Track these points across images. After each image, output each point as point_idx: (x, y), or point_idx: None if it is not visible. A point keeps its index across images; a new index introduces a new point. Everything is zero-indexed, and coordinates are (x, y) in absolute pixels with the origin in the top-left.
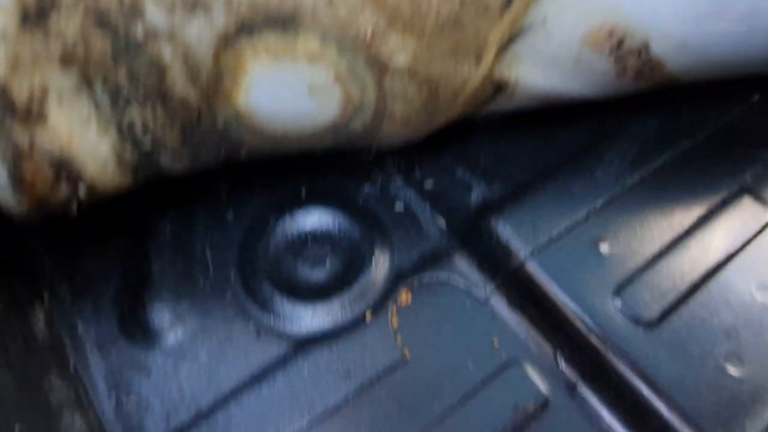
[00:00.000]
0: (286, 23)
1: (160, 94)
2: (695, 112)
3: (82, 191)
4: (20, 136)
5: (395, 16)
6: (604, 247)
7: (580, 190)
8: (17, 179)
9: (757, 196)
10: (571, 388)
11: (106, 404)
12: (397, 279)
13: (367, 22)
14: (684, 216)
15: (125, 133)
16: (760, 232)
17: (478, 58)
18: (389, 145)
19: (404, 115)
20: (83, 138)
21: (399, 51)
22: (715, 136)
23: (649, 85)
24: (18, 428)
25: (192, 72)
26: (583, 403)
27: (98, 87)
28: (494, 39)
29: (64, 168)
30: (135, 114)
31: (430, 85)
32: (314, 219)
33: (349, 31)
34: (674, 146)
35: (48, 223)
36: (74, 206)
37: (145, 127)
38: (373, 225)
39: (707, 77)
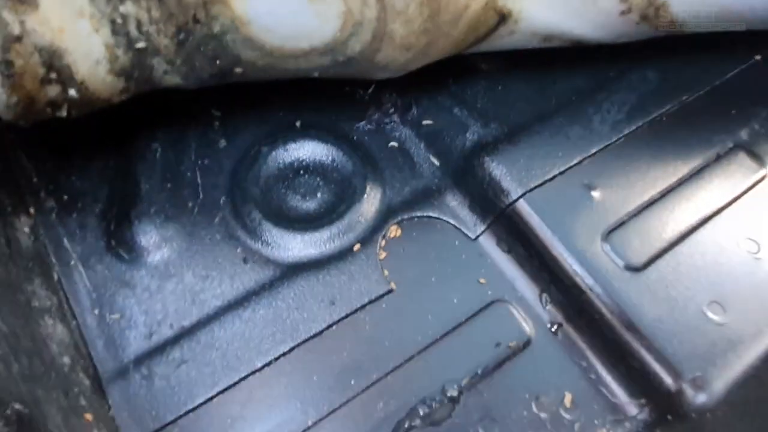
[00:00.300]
0: None
1: None
2: (697, 67)
3: (73, 91)
4: (11, 19)
5: None
6: (596, 193)
7: (576, 136)
8: (6, 69)
9: (752, 153)
10: (554, 329)
11: (89, 317)
12: (387, 214)
13: None
14: (677, 167)
15: (119, 30)
16: (751, 187)
17: None
18: (386, 75)
19: (404, 37)
20: (75, 31)
21: None
22: (714, 92)
23: (654, 29)
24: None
25: None
26: (564, 343)
27: None
28: None
29: (55, 62)
30: (130, 10)
31: (432, 5)
32: (308, 151)
33: None
34: (672, 99)
35: (36, 137)
36: (65, 110)
37: (139, 24)
38: (366, 160)
39: (711, 25)
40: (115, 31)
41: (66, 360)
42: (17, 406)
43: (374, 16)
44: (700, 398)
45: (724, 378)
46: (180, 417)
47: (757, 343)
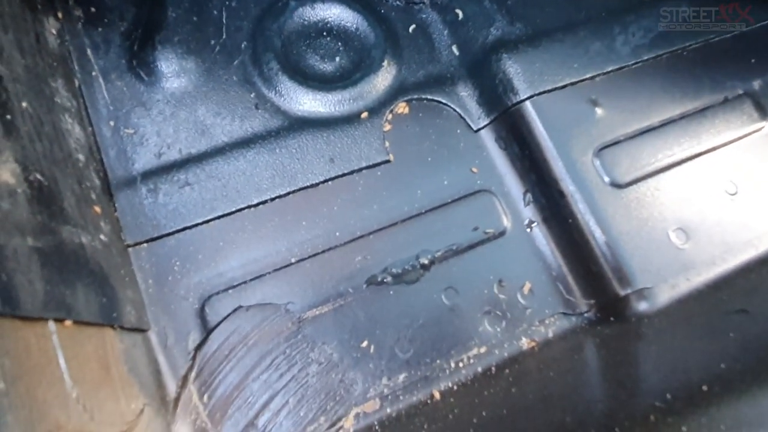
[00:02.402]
0: None
1: None
2: (732, 8)
3: None
4: None
5: None
6: (600, 109)
7: (595, 51)
8: None
9: (758, 104)
10: (529, 226)
11: (104, 127)
12: (399, 90)
13: None
14: (683, 102)
15: None
16: (746, 135)
17: None
18: None
19: None
20: None
21: None
22: (741, 38)
23: None
24: (24, 100)
25: None
26: (535, 240)
27: None
28: None
29: None
30: None
31: None
32: (334, 13)
33: None
34: (698, 36)
35: None
36: None
37: None
38: (389, 35)
39: None
40: None
41: (81, 157)
42: (39, 176)
43: None
44: (642, 306)
45: (668, 294)
46: (178, 231)
47: (707, 270)
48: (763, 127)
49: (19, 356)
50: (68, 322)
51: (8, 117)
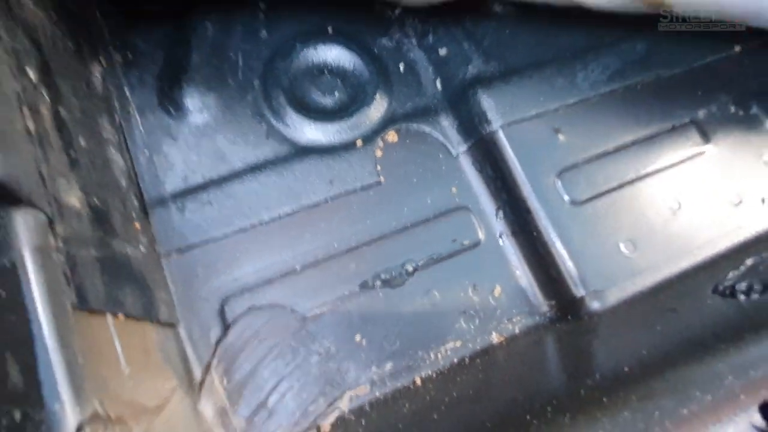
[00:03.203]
0: None
1: None
2: (680, 48)
3: None
4: None
5: None
6: (562, 137)
7: (559, 86)
8: None
9: (702, 131)
10: (501, 237)
11: (140, 156)
12: (389, 120)
13: None
14: (635, 130)
15: None
16: (690, 158)
17: None
18: (413, 4)
19: None
20: None
21: None
22: (689, 73)
23: (646, 7)
24: (82, 138)
25: None
26: (505, 249)
27: None
28: None
29: None
30: None
31: None
32: (334, 54)
33: None
34: (651, 71)
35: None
36: None
37: None
38: (381, 72)
39: (696, 13)
40: None
41: (123, 182)
42: (95, 200)
43: None
44: (595, 305)
45: (617, 296)
46: (201, 243)
47: (651, 276)
48: (705, 151)
49: (88, 340)
50: (120, 316)
51: (72, 153)
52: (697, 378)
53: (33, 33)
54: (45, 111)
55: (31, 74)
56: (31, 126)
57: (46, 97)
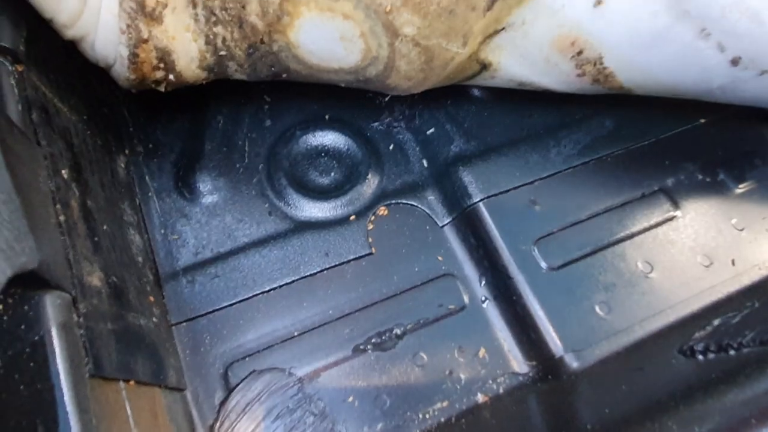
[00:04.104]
0: None
1: (239, 20)
2: (647, 121)
3: (172, 76)
4: (143, 29)
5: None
6: (538, 207)
7: (534, 161)
8: (133, 57)
9: (670, 198)
10: (484, 302)
11: (157, 234)
12: (380, 197)
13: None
14: (607, 199)
15: (210, 42)
16: (660, 224)
17: (465, 41)
18: (396, 93)
19: (407, 71)
20: (182, 39)
21: (408, 24)
22: (657, 144)
23: (606, 89)
24: (106, 225)
25: (263, 9)
26: (489, 313)
27: (200, 8)
28: (478, 30)
29: (164, 57)
30: (220, 31)
31: (427, 53)
32: (330, 139)
33: (374, 2)
34: (620, 145)
35: (137, 99)
36: (164, 86)
37: (224, 40)
38: (373, 153)
39: (655, 94)
40: (207, 42)
41: (140, 259)
42: (114, 278)
43: (386, 55)
44: (574, 365)
45: (595, 355)
46: (208, 313)
47: (625, 337)
48: (675, 216)
49: (102, 404)
50: (132, 382)
51: (96, 238)
52: None
53: (67, 135)
54: (74, 204)
55: (64, 173)
56: (62, 218)
57: (76, 192)
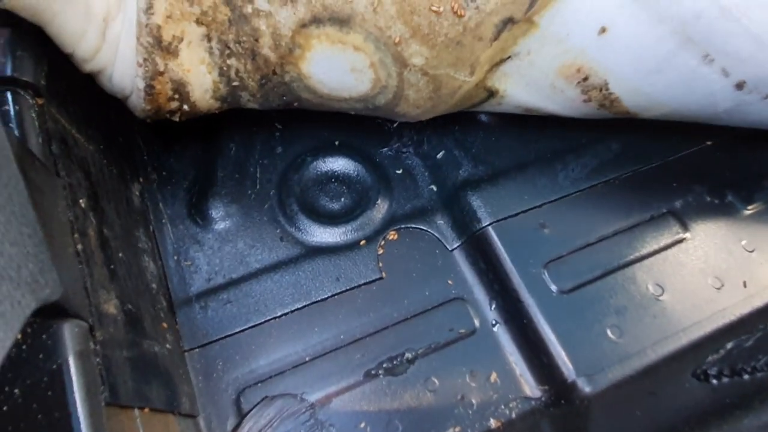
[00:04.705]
0: (343, 22)
1: (252, 53)
2: (654, 144)
3: (186, 107)
4: (160, 62)
5: (417, 31)
6: (547, 231)
7: (542, 185)
8: (150, 89)
9: (679, 219)
10: (495, 325)
11: (170, 261)
12: (390, 221)
13: (397, 32)
14: (616, 222)
15: (224, 73)
16: (670, 246)
17: (472, 70)
18: (405, 120)
19: (415, 99)
20: (197, 71)
21: (416, 55)
22: (664, 166)
23: (612, 114)
24: (122, 253)
25: (276, 42)
26: (500, 337)
27: (215, 42)
28: (485, 59)
29: (179, 88)
30: (233, 63)
31: (436, 82)
32: (340, 164)
33: (384, 35)
34: (628, 168)
35: (151, 129)
36: (178, 116)
37: (237, 71)
38: (382, 178)
39: (660, 118)
40: (221, 74)
41: (154, 286)
42: (130, 306)
43: (395, 84)
44: (587, 389)
45: (607, 379)
46: (221, 338)
47: (638, 360)
48: (685, 238)
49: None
50: (146, 409)
51: (112, 266)
52: None
53: (85, 165)
54: (92, 233)
55: (82, 203)
56: (80, 247)
57: (93, 221)
